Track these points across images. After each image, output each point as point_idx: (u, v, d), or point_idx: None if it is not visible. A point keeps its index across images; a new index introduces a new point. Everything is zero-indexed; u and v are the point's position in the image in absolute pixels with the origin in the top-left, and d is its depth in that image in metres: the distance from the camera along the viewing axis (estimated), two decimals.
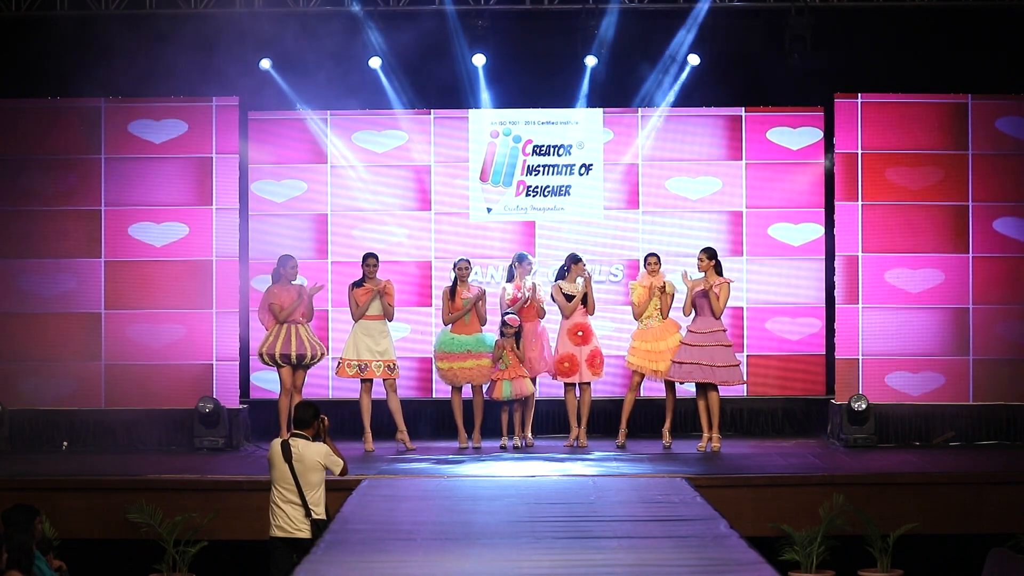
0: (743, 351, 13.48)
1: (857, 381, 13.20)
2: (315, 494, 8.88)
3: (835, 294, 13.36)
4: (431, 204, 13.72)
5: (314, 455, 8.88)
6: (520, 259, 12.57)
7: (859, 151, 13.32)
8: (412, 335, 13.58)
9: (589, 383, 12.53)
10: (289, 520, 8.85)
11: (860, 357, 13.25)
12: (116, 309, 13.35)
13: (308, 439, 8.93)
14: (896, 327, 13.28)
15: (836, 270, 13.36)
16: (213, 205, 13.43)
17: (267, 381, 13.37)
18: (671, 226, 13.70)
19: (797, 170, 13.69)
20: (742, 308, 13.56)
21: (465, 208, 13.74)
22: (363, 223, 13.73)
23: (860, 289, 13.29)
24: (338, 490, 9.65)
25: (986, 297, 13.29)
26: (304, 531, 8.83)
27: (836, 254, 13.38)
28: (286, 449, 8.87)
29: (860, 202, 13.31)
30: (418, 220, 13.74)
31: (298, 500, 8.84)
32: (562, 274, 12.57)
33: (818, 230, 13.66)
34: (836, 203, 13.38)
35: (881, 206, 13.32)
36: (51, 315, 13.34)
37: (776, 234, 13.71)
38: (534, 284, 12.46)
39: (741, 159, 13.70)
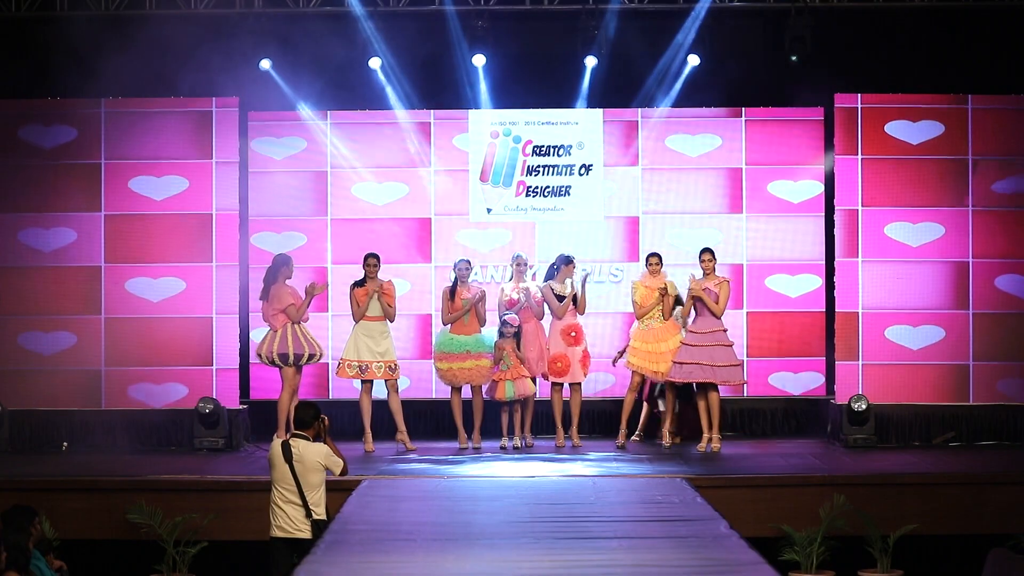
0: (743, 307, 13.48)
1: (857, 335, 13.19)
2: (315, 494, 8.88)
3: (835, 248, 13.35)
4: (431, 162, 13.71)
5: (314, 455, 8.88)
6: (517, 260, 12.57)
7: (859, 106, 13.30)
8: (412, 292, 13.57)
9: (580, 383, 12.54)
10: (289, 520, 8.86)
11: (860, 311, 13.23)
12: (116, 263, 13.35)
13: (308, 439, 8.94)
14: (896, 281, 13.25)
15: (836, 223, 13.33)
16: (213, 159, 13.42)
17: (267, 381, 13.34)
18: (670, 183, 13.70)
19: (796, 127, 13.70)
20: (742, 265, 13.58)
21: (465, 208, 13.75)
22: (362, 180, 13.73)
23: (860, 243, 13.26)
24: (338, 490, 9.66)
25: (986, 251, 13.26)
26: (304, 531, 8.83)
27: (836, 208, 13.34)
28: (286, 449, 8.87)
29: (860, 156, 13.29)
30: (418, 178, 13.74)
31: (298, 500, 8.84)
32: (551, 274, 12.55)
33: (817, 187, 13.65)
34: (836, 157, 13.35)
35: (881, 160, 13.29)
36: (51, 269, 13.33)
37: (776, 191, 13.71)
38: (527, 288, 12.46)
39: (740, 116, 13.70)
